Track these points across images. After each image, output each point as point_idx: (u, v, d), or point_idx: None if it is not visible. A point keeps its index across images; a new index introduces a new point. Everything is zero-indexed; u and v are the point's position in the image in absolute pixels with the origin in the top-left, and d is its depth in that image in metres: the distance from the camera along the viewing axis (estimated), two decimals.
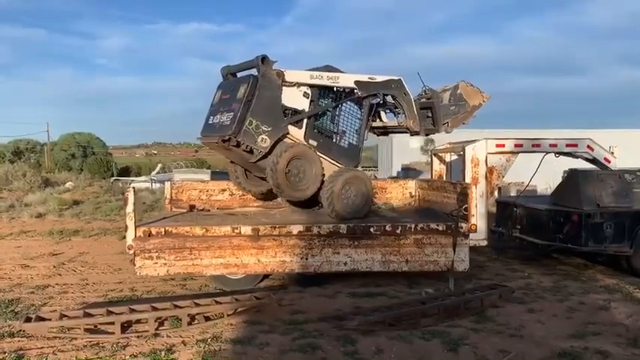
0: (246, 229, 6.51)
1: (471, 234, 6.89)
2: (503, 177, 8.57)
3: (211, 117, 7.34)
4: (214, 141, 7.01)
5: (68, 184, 23.64)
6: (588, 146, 8.75)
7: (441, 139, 9.92)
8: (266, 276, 7.64)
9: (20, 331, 5.52)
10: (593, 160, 8.92)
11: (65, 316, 5.62)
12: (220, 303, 6.04)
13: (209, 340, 5.28)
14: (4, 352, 4.98)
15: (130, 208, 6.31)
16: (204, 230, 6.49)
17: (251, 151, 6.84)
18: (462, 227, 6.78)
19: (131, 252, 6.35)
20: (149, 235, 6.39)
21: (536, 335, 5.47)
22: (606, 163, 8.82)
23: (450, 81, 7.92)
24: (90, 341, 5.29)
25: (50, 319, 5.52)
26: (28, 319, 5.51)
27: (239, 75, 7.54)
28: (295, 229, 6.60)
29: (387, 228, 6.73)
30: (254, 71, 7.09)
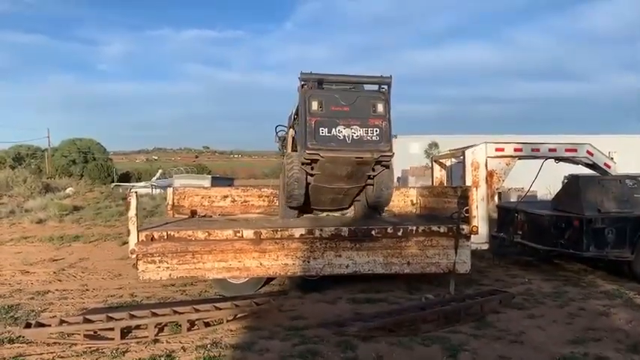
0: (249, 233, 6.52)
1: (472, 238, 6.89)
2: (503, 181, 8.59)
3: (324, 129, 6.79)
4: (363, 156, 6.83)
5: (69, 190, 23.67)
6: (588, 151, 8.77)
7: (444, 144, 9.95)
8: (267, 281, 7.65)
9: (20, 337, 5.51)
10: (593, 166, 8.93)
11: (65, 321, 5.61)
12: (220, 309, 6.03)
13: (209, 345, 5.27)
14: (4, 358, 4.97)
15: (132, 212, 6.33)
16: (207, 234, 6.50)
17: (386, 167, 7.27)
18: (463, 229, 6.79)
19: (134, 256, 6.36)
20: (152, 240, 6.39)
21: (536, 341, 5.46)
22: (606, 169, 8.83)
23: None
24: (90, 347, 5.27)
25: (50, 325, 5.52)
26: (27, 325, 5.50)
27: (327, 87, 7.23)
28: (297, 232, 6.61)
29: (389, 230, 6.73)
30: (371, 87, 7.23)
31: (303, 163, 7.03)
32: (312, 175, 7.17)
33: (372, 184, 7.57)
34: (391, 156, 6.97)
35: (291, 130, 8.33)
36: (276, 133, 9.25)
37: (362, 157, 6.85)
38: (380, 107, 6.95)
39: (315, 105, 6.84)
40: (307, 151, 6.74)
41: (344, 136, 6.80)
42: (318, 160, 6.84)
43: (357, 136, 6.81)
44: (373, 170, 7.24)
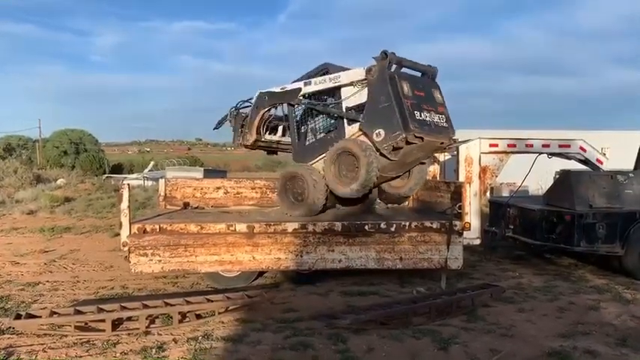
0: (241, 227, 6.50)
1: (464, 233, 6.92)
2: (496, 177, 8.63)
3: (417, 112, 6.55)
4: (440, 141, 6.80)
5: (60, 181, 23.50)
6: (581, 147, 8.82)
7: None
8: (260, 275, 7.64)
9: (10, 328, 5.47)
10: (586, 161, 8.98)
11: (56, 313, 5.58)
12: (212, 301, 6.03)
13: (200, 338, 5.27)
14: None
15: (124, 204, 6.29)
16: (199, 227, 6.47)
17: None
18: (455, 225, 6.81)
19: (126, 249, 6.33)
20: (144, 232, 6.36)
21: (526, 334, 5.50)
22: (599, 164, 8.88)
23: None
24: (80, 339, 5.25)
25: (40, 317, 5.48)
26: (18, 317, 5.46)
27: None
28: (290, 226, 6.60)
29: (382, 226, 6.74)
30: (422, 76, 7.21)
31: (395, 148, 6.56)
32: (390, 161, 6.79)
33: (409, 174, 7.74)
34: (453, 142, 7.18)
35: (261, 111, 7.85)
36: (237, 109, 8.26)
37: (443, 143, 6.85)
38: (440, 94, 7.07)
39: (406, 87, 6.59)
40: (412, 134, 6.34)
41: (430, 120, 6.67)
42: (408, 144, 6.49)
43: (435, 121, 6.74)
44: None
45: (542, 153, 8.82)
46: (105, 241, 11.37)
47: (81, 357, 4.85)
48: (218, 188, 8.89)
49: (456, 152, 8.47)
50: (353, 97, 7.01)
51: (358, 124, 6.89)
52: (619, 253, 8.11)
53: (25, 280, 7.85)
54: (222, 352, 4.96)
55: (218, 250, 6.47)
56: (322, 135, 7.48)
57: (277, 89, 7.63)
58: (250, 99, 8.03)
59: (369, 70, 6.77)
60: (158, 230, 6.41)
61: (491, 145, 8.42)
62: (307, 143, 7.59)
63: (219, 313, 5.94)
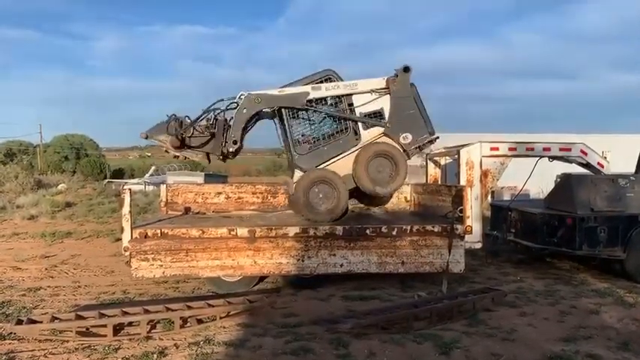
0: (243, 231, 6.50)
1: (466, 237, 6.91)
2: (497, 180, 8.61)
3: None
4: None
5: (61, 186, 23.54)
6: (582, 151, 8.80)
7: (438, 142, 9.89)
8: (261, 279, 7.64)
9: (11, 333, 5.48)
10: (587, 165, 8.97)
11: (57, 318, 5.59)
12: (213, 306, 6.03)
13: (201, 343, 5.27)
14: None
15: (126, 209, 6.30)
16: (201, 232, 6.48)
17: None
18: (457, 229, 6.80)
19: (127, 254, 6.34)
20: (145, 237, 6.37)
21: (527, 338, 5.49)
22: (600, 168, 8.87)
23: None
24: (82, 344, 5.25)
25: (42, 322, 5.49)
26: (19, 322, 5.47)
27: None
28: (292, 230, 6.60)
29: (383, 229, 6.74)
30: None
31: (419, 149, 7.67)
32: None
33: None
34: None
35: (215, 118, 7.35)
36: (215, 115, 7.40)
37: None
38: None
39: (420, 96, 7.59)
40: (433, 137, 7.59)
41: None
42: (429, 144, 7.72)
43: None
44: None
45: (543, 156, 8.82)
46: (106, 246, 11.37)
47: None
48: (219, 193, 8.91)
49: (457, 156, 8.46)
50: (369, 103, 7.51)
51: (375, 128, 7.49)
52: (620, 256, 8.10)
53: (27, 285, 7.85)
54: (223, 357, 4.95)
55: (219, 254, 6.46)
56: (330, 140, 7.51)
57: (274, 92, 7.43)
58: (232, 102, 7.41)
59: (392, 81, 7.44)
60: (159, 235, 6.41)
61: (492, 149, 8.41)
62: (310, 148, 7.57)
63: (221, 318, 5.94)
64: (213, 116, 7.42)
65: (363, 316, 5.87)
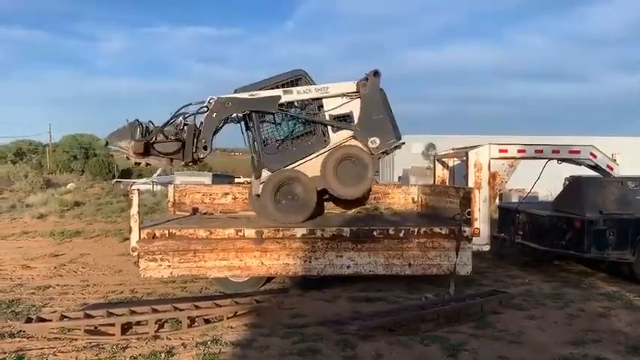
0: (250, 232, 6.53)
1: (473, 239, 6.89)
2: (506, 182, 8.57)
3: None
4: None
5: (70, 186, 23.69)
6: (591, 153, 8.74)
7: (443, 144, 9.88)
8: (268, 280, 7.65)
9: (21, 331, 5.53)
10: (596, 167, 8.91)
11: (66, 317, 5.63)
12: (220, 306, 6.04)
13: (209, 342, 5.29)
14: (5, 353, 4.99)
15: (134, 209, 6.34)
16: (208, 232, 6.51)
17: None
18: (465, 231, 6.78)
19: (135, 254, 6.37)
20: (153, 237, 6.41)
21: (535, 341, 5.46)
22: (609, 170, 8.81)
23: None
24: (90, 342, 5.29)
25: (51, 320, 5.53)
26: (28, 320, 5.52)
27: None
28: (299, 232, 6.62)
29: (391, 231, 6.73)
30: None
31: (385, 152, 7.74)
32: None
33: None
34: None
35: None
36: (184, 120, 7.28)
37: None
38: None
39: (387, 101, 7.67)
40: (399, 142, 7.67)
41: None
42: (395, 149, 7.81)
43: None
44: None
45: (552, 159, 8.77)
46: (114, 245, 11.44)
47: None
48: (226, 194, 8.94)
49: (465, 157, 8.44)
50: (339, 107, 7.52)
51: (344, 131, 7.50)
52: (630, 259, 8.04)
53: (36, 283, 7.92)
54: (230, 357, 4.97)
55: (227, 255, 6.49)
56: (299, 141, 7.58)
57: (245, 95, 7.32)
58: (202, 107, 7.31)
59: (363, 85, 7.43)
60: (167, 235, 6.45)
61: (500, 151, 8.37)
62: (278, 149, 7.55)
63: (228, 318, 5.96)
64: (181, 121, 7.30)
65: (370, 318, 5.87)
